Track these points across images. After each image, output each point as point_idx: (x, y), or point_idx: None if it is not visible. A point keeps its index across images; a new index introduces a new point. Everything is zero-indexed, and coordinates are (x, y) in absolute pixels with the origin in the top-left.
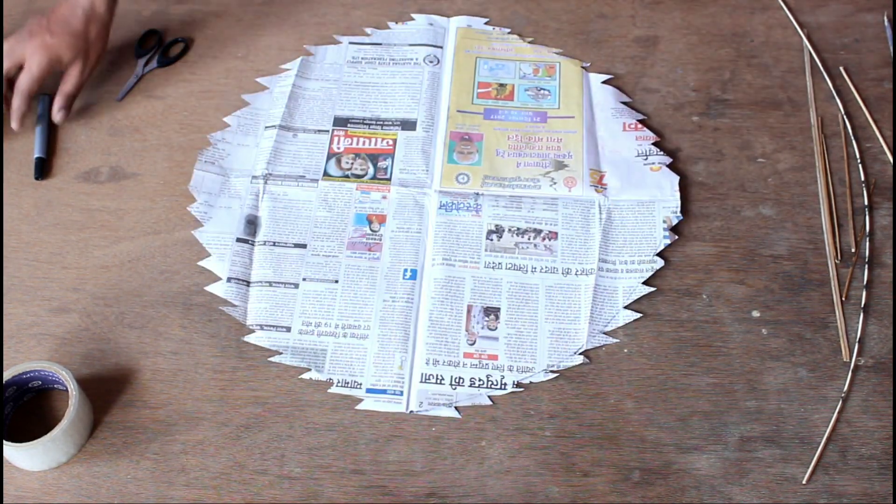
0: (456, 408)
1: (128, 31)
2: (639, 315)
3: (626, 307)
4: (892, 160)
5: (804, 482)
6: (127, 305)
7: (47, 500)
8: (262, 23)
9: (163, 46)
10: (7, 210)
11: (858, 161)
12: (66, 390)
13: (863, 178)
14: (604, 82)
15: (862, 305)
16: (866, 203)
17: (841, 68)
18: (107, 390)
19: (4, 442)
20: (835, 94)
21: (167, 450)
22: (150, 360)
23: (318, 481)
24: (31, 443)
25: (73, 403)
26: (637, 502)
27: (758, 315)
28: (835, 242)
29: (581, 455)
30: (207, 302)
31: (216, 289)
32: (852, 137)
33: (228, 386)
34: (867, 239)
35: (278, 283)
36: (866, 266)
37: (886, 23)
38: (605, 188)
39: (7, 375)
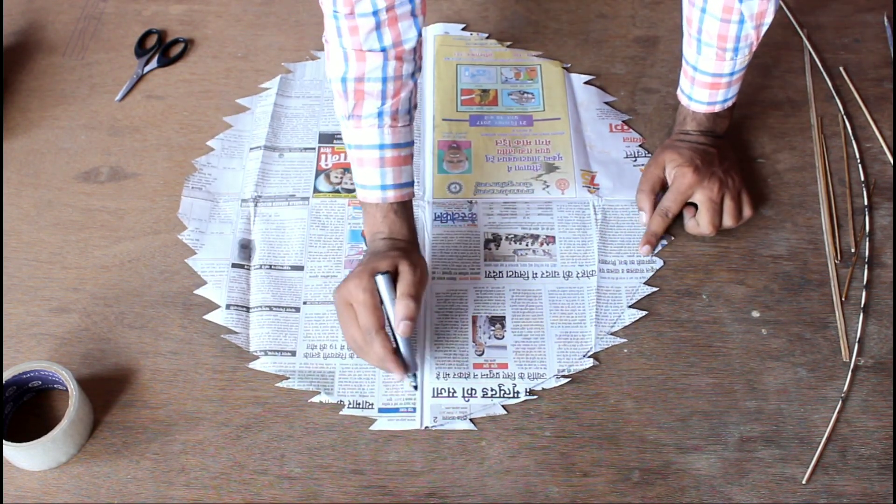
0: (471, 420)
1: (128, 31)
2: (644, 313)
3: (629, 307)
4: (892, 160)
5: (804, 482)
6: (127, 305)
7: (47, 500)
8: (262, 23)
9: (163, 46)
10: (7, 210)
11: (858, 161)
12: (66, 390)
13: (863, 178)
14: (586, 83)
15: (862, 305)
16: (866, 203)
17: (841, 68)
18: (107, 390)
19: (4, 442)
20: (835, 94)
21: (167, 450)
22: (150, 360)
23: (318, 481)
24: (31, 443)
25: (73, 403)
26: (637, 502)
27: (758, 315)
28: (835, 242)
29: (581, 455)
30: (207, 302)
31: (216, 317)
32: (852, 137)
33: (228, 386)
34: (867, 239)
35: (279, 307)
36: (866, 266)
37: (886, 23)
38: (598, 188)
39: (7, 375)
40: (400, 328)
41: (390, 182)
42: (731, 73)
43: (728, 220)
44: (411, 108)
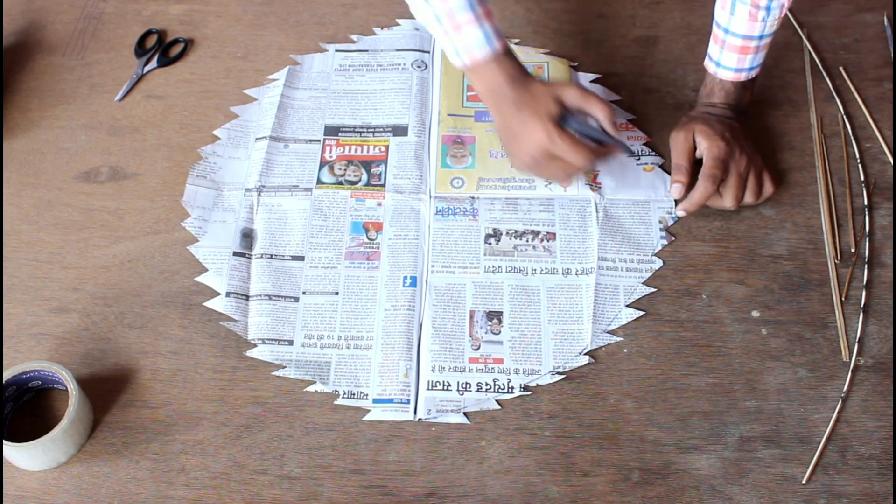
0: (464, 413)
1: (128, 31)
2: (641, 313)
3: (627, 306)
4: (891, 160)
5: (804, 482)
6: (127, 305)
7: (47, 500)
8: (262, 23)
9: (163, 46)
10: (7, 210)
11: (858, 161)
12: (66, 390)
13: (862, 178)
14: (592, 81)
15: (862, 305)
16: (866, 203)
17: (841, 68)
18: (107, 390)
19: (4, 442)
20: (835, 94)
21: (167, 450)
22: (150, 360)
23: (318, 481)
24: (31, 443)
25: (73, 403)
26: (637, 502)
27: (757, 315)
28: (834, 242)
29: (581, 455)
30: (207, 299)
31: (215, 304)
32: (852, 137)
33: (228, 386)
34: (867, 239)
35: (278, 296)
36: (866, 266)
37: (886, 23)
38: (600, 187)
39: (7, 375)
40: (613, 132)
41: (491, 31)
42: (760, 37)
43: (749, 197)
44: None
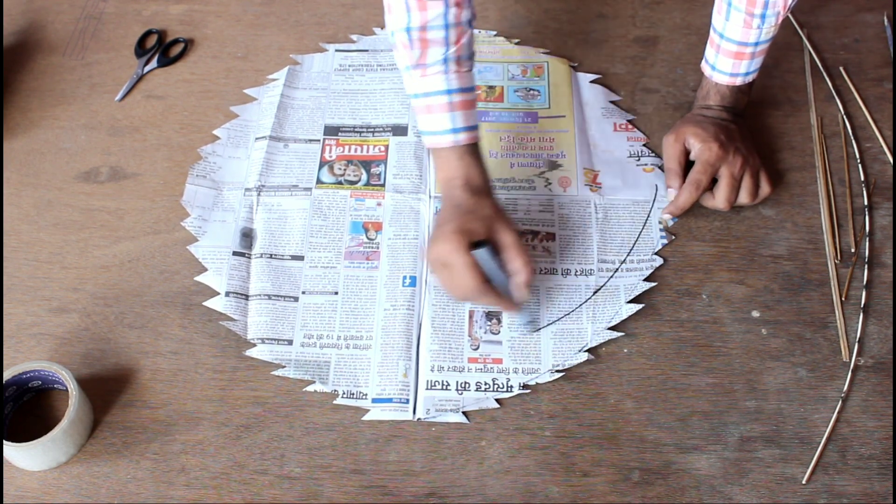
0: (465, 413)
1: (128, 31)
2: (641, 305)
3: (628, 302)
4: (891, 160)
5: (804, 482)
6: (127, 305)
7: (47, 500)
8: (262, 23)
9: (163, 46)
10: (7, 210)
11: (858, 161)
12: (66, 390)
13: (862, 178)
14: (592, 81)
15: (862, 305)
16: (866, 203)
17: (841, 68)
18: (107, 390)
19: (4, 442)
20: (835, 94)
21: (167, 450)
22: (150, 360)
23: (318, 481)
24: (31, 443)
25: (73, 403)
26: (637, 502)
27: (757, 315)
28: (835, 242)
29: (581, 455)
30: (207, 300)
31: (215, 304)
32: (852, 137)
33: (228, 386)
34: (867, 239)
35: (277, 296)
36: (866, 266)
37: (886, 23)
38: (601, 187)
39: (7, 375)
40: (518, 297)
41: (461, 125)
42: (756, 44)
43: (744, 197)
44: (472, 54)
